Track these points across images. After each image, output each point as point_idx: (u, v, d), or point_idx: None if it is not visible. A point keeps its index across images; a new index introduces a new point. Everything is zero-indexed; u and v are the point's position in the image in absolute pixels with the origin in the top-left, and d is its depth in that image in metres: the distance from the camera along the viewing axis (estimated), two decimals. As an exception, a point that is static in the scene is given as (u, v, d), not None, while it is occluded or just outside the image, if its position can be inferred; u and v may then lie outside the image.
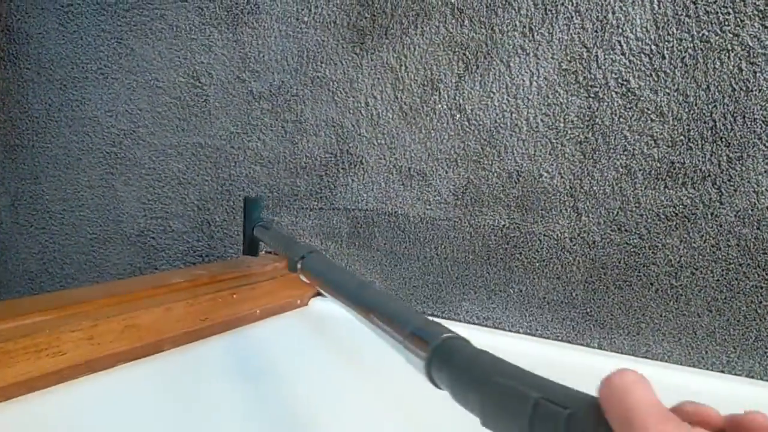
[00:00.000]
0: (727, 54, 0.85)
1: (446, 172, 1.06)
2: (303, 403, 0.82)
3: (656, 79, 0.90)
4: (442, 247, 1.08)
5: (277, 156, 1.23)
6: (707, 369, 0.90)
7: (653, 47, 0.90)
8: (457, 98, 1.05)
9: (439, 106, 1.06)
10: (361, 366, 0.94)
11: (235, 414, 0.80)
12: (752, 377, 0.87)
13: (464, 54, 1.03)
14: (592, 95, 0.94)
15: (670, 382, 0.89)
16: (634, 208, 0.93)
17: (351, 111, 1.14)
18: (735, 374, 0.88)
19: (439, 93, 1.06)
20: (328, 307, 1.16)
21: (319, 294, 1.20)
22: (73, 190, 1.51)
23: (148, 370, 0.84)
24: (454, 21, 1.03)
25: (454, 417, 0.80)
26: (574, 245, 0.97)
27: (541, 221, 0.99)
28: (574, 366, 0.94)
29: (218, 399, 0.80)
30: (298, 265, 0.79)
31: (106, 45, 1.42)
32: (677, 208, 0.90)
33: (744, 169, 0.85)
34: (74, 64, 1.47)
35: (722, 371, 0.89)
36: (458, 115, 1.05)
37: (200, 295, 0.96)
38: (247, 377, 0.87)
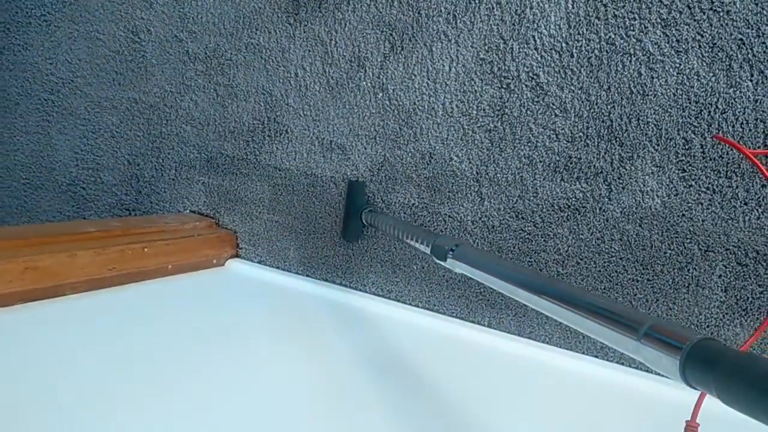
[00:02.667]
0: (629, 58, 0.87)
1: (365, 148, 1.07)
2: (206, 354, 0.80)
3: (563, 76, 0.91)
4: (356, 219, 1.08)
5: (207, 118, 1.21)
6: (582, 353, 0.92)
7: (564, 45, 0.91)
8: (381, 77, 1.04)
9: (364, 83, 1.06)
10: (273, 325, 0.94)
11: (135, 361, 0.78)
12: (622, 364, 0.90)
13: (391, 34, 1.03)
14: (505, 86, 0.95)
15: (550, 364, 0.92)
16: (531, 198, 0.94)
17: (281, 80, 1.13)
18: (607, 360, 0.91)
19: (365, 70, 1.06)
20: (244, 269, 1.16)
21: (237, 256, 1.20)
22: (9, 134, 1.47)
23: (47, 311, 0.83)
24: (384, 0, 1.03)
25: (359, 375, 0.81)
26: (475, 228, 0.98)
27: (447, 203, 1.00)
28: (467, 342, 0.96)
29: (119, 346, 0.79)
30: (449, 255, 0.74)
31: (50, -8, 1.38)
32: (570, 200, 0.92)
33: (633, 168, 0.87)
34: (19, 8, 1.42)
35: (596, 356, 0.92)
36: (381, 94, 1.05)
37: (110, 246, 0.94)
38: (151, 327, 0.86)
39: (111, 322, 0.84)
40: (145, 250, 0.99)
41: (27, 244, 0.86)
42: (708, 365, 0.40)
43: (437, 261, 0.76)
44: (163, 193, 1.27)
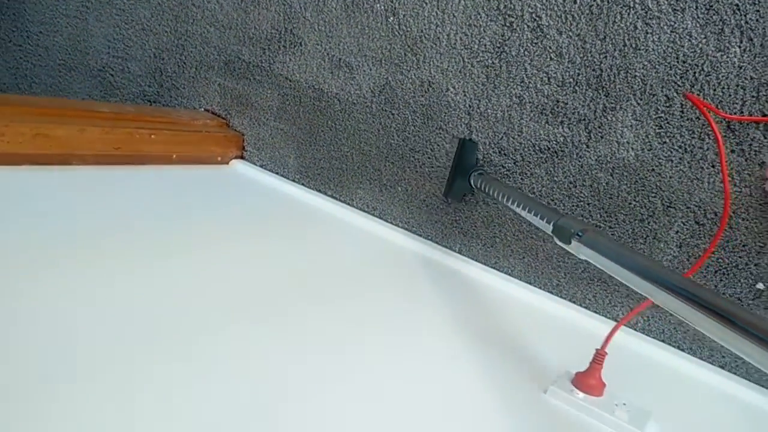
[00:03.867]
0: (628, 11, 0.87)
1: (370, 69, 1.10)
2: (197, 244, 0.85)
3: (564, 20, 0.92)
4: (353, 137, 1.13)
5: (230, 22, 1.25)
6: (540, 288, 0.97)
7: (568, -10, 0.91)
8: (394, 1, 1.06)
9: (378, 5, 1.08)
10: (269, 223, 0.99)
11: (135, 237, 0.81)
12: (573, 302, 0.95)
13: (409, -40, 1.04)
14: (507, 24, 0.96)
15: (509, 294, 0.97)
16: (516, 136, 0.97)
17: (302, -7, 1.16)
18: (561, 297, 0.96)
19: (380, -7, 1.08)
20: (246, 170, 1.23)
21: (242, 157, 1.26)
22: (51, 16, 1.53)
23: (53, 176, 0.91)
24: (407, -74, 1.04)
25: (336, 265, 0.87)
26: (460, 158, 1.02)
27: (438, 131, 1.04)
28: (438, 264, 1.02)
29: (116, 220, 0.84)
30: (574, 238, 0.66)
31: None
32: (551, 143, 0.94)
33: (614, 119, 0.89)
34: None
35: (551, 292, 0.96)
36: (392, 18, 1.07)
37: (119, 127, 1.01)
38: (148, 204, 0.93)
39: (112, 195, 0.92)
40: (152, 136, 1.05)
41: (42, 113, 0.93)
42: None
43: (558, 242, 0.69)
44: (183, 89, 1.33)
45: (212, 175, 1.15)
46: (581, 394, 0.66)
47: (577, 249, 0.66)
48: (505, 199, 0.85)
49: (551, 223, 0.71)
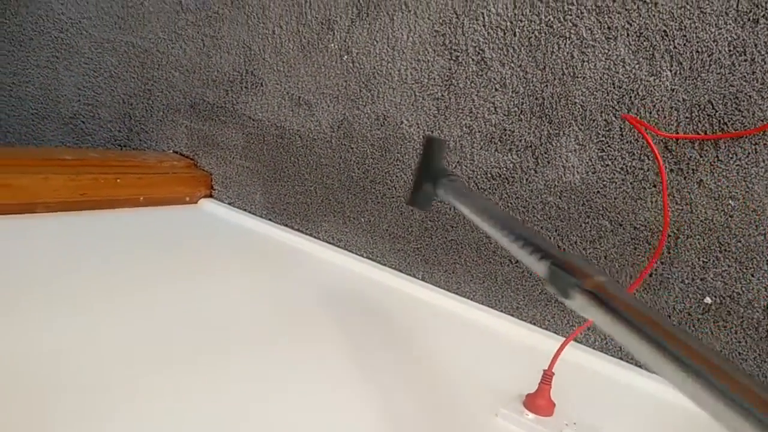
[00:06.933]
0: (564, 41, 0.90)
1: (328, 106, 1.12)
2: (171, 283, 0.86)
3: (506, 53, 0.94)
4: (316, 172, 1.14)
5: (194, 66, 1.27)
6: (501, 311, 0.98)
7: (509, 24, 0.94)
8: (347, 41, 1.09)
9: (332, 45, 1.11)
10: (234, 260, 1.00)
11: (100, 284, 0.82)
12: (533, 324, 0.96)
13: (359, 1, 1.07)
14: (454, 58, 0.99)
15: (470, 319, 0.98)
16: (468, 164, 0.99)
17: (260, 36, 1.18)
18: (521, 319, 0.97)
19: (333, 33, 1.10)
20: (215, 208, 1.24)
21: (210, 196, 1.27)
22: (22, 67, 1.55)
23: (17, 224, 0.91)
24: (356, -31, 1.07)
25: (312, 306, 0.88)
26: (417, 188, 1.04)
27: (396, 163, 1.06)
28: (401, 292, 1.03)
29: (86, 266, 0.84)
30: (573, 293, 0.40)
31: (65, -65, 1.43)
32: (501, 169, 0.96)
33: (558, 145, 0.91)
34: (37, -52, 1.49)
35: (512, 315, 0.97)
36: (345, 56, 1.09)
37: (83, 174, 1.02)
38: (118, 252, 0.93)
39: (77, 240, 0.93)
40: (118, 180, 1.06)
41: (4, 163, 0.94)
42: None
43: (553, 291, 0.42)
44: (151, 132, 1.34)
45: (180, 215, 1.16)
46: (531, 416, 0.67)
47: (581, 307, 0.42)
48: (478, 218, 0.59)
49: (547, 265, 0.45)
